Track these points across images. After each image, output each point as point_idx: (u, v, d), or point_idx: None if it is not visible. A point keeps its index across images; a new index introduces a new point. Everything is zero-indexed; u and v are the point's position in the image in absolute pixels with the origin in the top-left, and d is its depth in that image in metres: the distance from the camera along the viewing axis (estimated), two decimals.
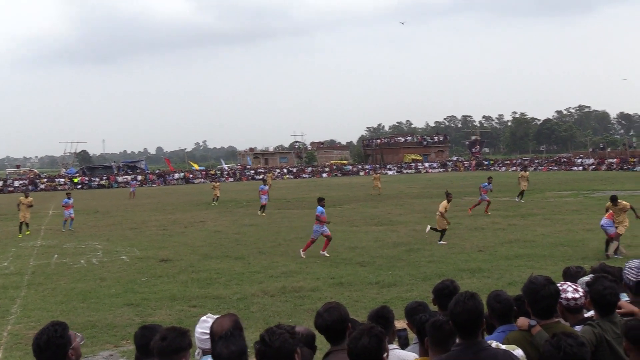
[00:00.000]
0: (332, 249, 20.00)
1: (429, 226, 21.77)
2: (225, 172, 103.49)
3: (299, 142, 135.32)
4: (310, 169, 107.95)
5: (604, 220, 17.67)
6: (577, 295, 4.64)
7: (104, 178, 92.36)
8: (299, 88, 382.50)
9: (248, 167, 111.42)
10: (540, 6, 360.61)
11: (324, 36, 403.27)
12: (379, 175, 51.73)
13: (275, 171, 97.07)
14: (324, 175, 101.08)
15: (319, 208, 19.25)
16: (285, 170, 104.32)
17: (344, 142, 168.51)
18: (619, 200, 18.05)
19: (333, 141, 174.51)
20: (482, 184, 31.45)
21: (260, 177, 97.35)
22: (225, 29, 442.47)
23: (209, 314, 4.61)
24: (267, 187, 34.86)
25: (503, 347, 4.17)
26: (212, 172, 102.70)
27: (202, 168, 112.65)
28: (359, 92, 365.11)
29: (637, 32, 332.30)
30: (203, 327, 4.42)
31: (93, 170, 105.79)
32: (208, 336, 4.24)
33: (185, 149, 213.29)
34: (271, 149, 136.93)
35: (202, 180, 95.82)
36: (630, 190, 40.33)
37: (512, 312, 4.82)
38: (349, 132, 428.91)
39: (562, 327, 4.50)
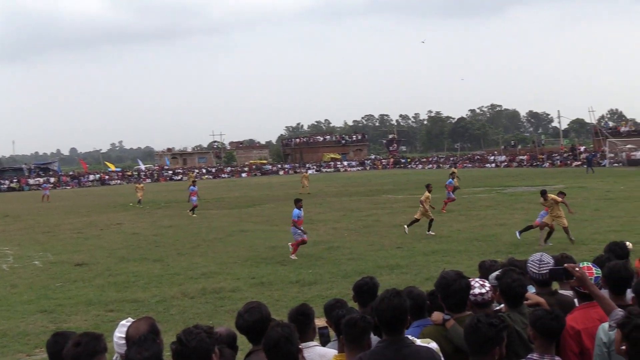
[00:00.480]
0: (252, 249, 19.95)
1: (405, 227, 21.80)
2: (143, 173, 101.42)
3: (218, 141, 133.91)
4: (229, 168, 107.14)
5: (541, 212, 18.46)
6: (483, 291, 4.79)
7: (14, 180, 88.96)
8: (217, 87, 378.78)
9: (166, 167, 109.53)
10: (452, 7, 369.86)
11: (241, 35, 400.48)
12: (307, 174, 51.75)
13: (194, 171, 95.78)
14: (244, 175, 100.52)
15: (295, 211, 18.53)
16: (204, 171, 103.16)
17: (263, 142, 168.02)
18: (549, 194, 18.63)
19: (252, 141, 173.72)
20: (448, 181, 31.15)
21: (179, 177, 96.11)
22: (140, 27, 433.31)
23: (129, 318, 4.52)
24: (196, 188, 34.11)
25: (418, 341, 4.26)
26: (129, 173, 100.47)
27: (118, 169, 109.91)
28: (278, 92, 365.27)
29: (544, 32, 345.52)
30: (121, 331, 4.32)
31: (2, 173, 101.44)
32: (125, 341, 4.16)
33: (101, 149, 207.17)
34: (189, 149, 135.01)
35: (119, 181, 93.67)
36: (539, 186, 41.84)
37: (426, 307, 4.94)
38: (268, 132, 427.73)
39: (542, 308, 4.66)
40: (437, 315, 4.68)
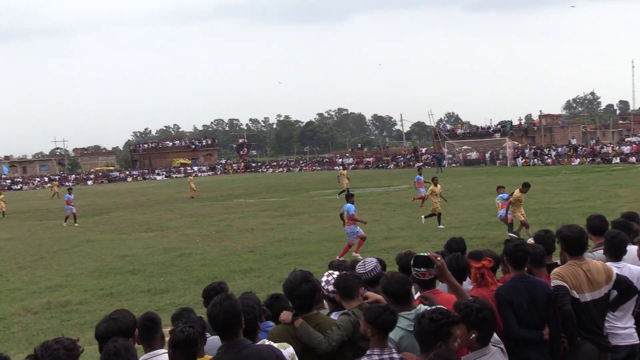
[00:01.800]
0: (99, 259, 19.28)
1: (423, 217, 22.20)
2: None
3: (61, 148, 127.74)
4: (74, 176, 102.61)
5: (501, 211, 18.74)
6: (332, 288, 5.07)
7: None
8: (58, 92, 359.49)
9: (4, 176, 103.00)
10: (297, 13, 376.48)
11: (83, 37, 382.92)
12: (192, 177, 50.28)
13: (56, 178, 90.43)
14: (89, 182, 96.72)
15: (351, 206, 16.96)
16: (46, 179, 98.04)
17: (109, 148, 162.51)
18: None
19: (98, 147, 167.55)
20: (416, 177, 30.40)
21: (19, 187, 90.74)
22: None
23: None
24: (72, 196, 31.90)
25: (274, 345, 4.35)
26: None
27: None
28: (124, 96, 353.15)
29: (385, 39, 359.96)
30: None
31: None
32: None
33: None
34: (29, 157, 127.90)
35: None
36: (385, 187, 43.59)
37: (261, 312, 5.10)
38: (115, 138, 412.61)
39: (320, 317, 4.90)
40: (285, 315, 4.84)
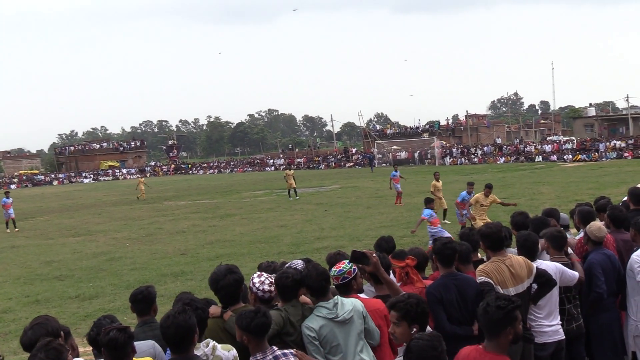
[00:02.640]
0: (24, 265, 18.73)
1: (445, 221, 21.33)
2: None
3: None
4: None
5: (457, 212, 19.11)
6: (271, 288, 5.12)
7: None
8: None
9: None
10: (227, 13, 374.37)
11: (4, 37, 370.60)
12: (143, 179, 49.00)
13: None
14: (13, 186, 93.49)
15: (426, 211, 15.83)
16: None
17: (33, 151, 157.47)
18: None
19: (21, 150, 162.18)
20: (392, 173, 30.16)
21: None
22: None
23: None
24: (10, 200, 30.13)
25: (219, 347, 4.36)
26: None
27: None
28: (48, 97, 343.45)
29: (314, 38, 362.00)
30: None
31: None
32: None
33: None
34: None
35: None
36: (316, 187, 43.78)
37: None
38: (39, 140, 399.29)
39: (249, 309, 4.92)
40: (214, 309, 4.89)
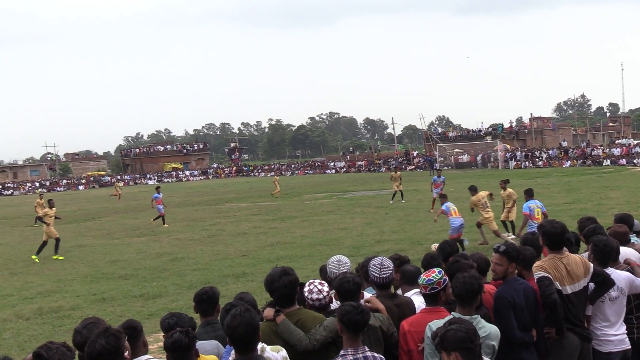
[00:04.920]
0: (91, 264, 19.20)
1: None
2: None
3: (52, 153, 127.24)
4: (65, 181, 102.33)
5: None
6: (320, 296, 5.05)
7: None
8: (48, 97, 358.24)
9: None
10: (285, 18, 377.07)
11: (74, 42, 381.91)
12: (277, 177, 50.15)
13: (26, 184, 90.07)
14: (81, 187, 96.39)
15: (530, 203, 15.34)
16: (37, 184, 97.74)
17: (100, 153, 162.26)
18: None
19: (89, 152, 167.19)
20: (434, 178, 29.80)
21: (10, 192, 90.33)
22: None
23: None
24: (161, 195, 30.34)
25: (268, 348, 4.34)
26: None
27: None
28: (115, 101, 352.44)
29: (375, 40, 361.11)
30: None
31: None
32: None
33: None
34: (20, 162, 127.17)
35: None
36: (376, 190, 43.60)
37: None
38: (106, 142, 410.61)
39: (304, 312, 4.89)
40: (268, 311, 4.84)
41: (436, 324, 4.50)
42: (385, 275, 5.45)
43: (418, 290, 5.47)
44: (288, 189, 50.53)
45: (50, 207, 22.36)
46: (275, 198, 42.21)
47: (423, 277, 5.05)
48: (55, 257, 20.90)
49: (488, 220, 18.18)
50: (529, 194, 15.58)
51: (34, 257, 20.82)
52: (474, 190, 18.65)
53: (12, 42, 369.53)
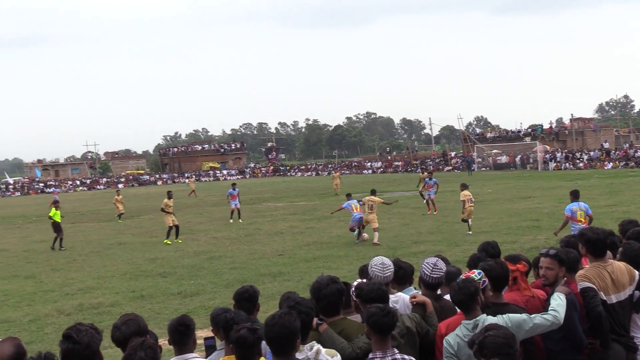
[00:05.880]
0: (130, 262, 19.46)
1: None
2: (11, 186, 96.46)
3: (92, 152, 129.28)
4: (105, 179, 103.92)
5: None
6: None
7: None
8: (89, 97, 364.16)
9: (36, 179, 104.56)
10: (323, 18, 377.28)
11: (111, 41, 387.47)
12: (337, 174, 50.92)
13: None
14: (120, 185, 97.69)
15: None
16: (78, 182, 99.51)
17: (139, 152, 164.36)
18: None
19: (128, 150, 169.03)
20: (425, 180, 29.89)
21: (51, 190, 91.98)
22: (1, 34, 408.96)
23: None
24: (237, 191, 30.78)
25: (323, 351, 4.30)
26: None
27: None
28: (154, 101, 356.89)
29: (412, 40, 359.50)
30: None
31: None
32: None
33: None
34: (62, 160, 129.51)
35: None
36: (414, 191, 43.33)
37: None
38: (145, 141, 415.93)
39: (348, 322, 4.83)
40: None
41: (453, 338, 4.53)
42: (435, 275, 5.44)
43: None
44: (324, 189, 50.57)
45: (169, 198, 25.01)
46: (335, 195, 42.58)
47: (462, 278, 4.94)
48: (165, 241, 23.55)
49: (467, 211, 20.97)
50: (574, 196, 15.18)
51: (177, 240, 23.62)
52: (465, 186, 21.93)
53: (56, 43, 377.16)
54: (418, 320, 4.98)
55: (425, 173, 35.88)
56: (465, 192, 21.42)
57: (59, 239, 23.97)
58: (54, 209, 24.70)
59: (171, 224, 24.03)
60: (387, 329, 4.33)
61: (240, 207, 30.49)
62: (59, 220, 24.54)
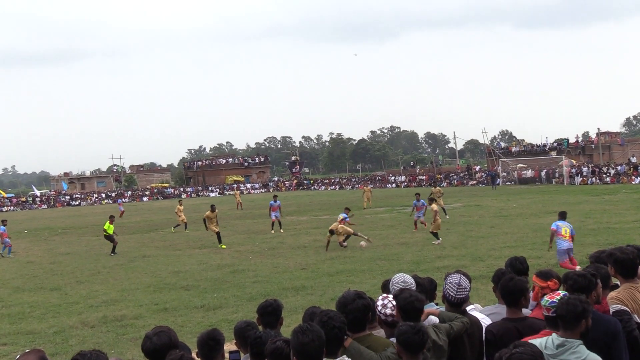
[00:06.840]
0: (154, 274, 19.54)
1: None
2: (38, 199, 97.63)
3: (118, 165, 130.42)
4: (130, 192, 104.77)
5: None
6: (389, 312, 4.94)
7: None
8: (115, 110, 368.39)
9: (63, 192, 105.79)
10: (346, 33, 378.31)
11: (140, 57, 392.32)
12: (368, 187, 51.44)
13: (93, 195, 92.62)
14: (145, 199, 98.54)
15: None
16: (103, 195, 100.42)
17: (164, 165, 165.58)
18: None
19: (153, 164, 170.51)
20: (414, 202, 29.38)
21: (77, 202, 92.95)
22: (32, 49, 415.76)
23: (27, 351, 4.35)
24: (278, 203, 32.08)
25: None
26: (23, 199, 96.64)
27: (10, 195, 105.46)
28: (178, 115, 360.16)
29: (436, 54, 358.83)
30: None
31: None
32: None
33: None
34: (88, 173, 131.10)
35: (12, 208, 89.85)
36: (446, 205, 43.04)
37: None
38: (170, 155, 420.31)
39: (374, 338, 4.76)
40: None
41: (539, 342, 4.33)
42: (460, 296, 5.33)
43: (473, 306, 5.35)
44: (348, 203, 50.43)
45: (212, 211, 26.69)
46: (363, 209, 42.33)
47: (547, 299, 4.64)
48: (221, 245, 25.49)
49: (436, 224, 23.07)
50: (562, 216, 16.81)
51: (221, 245, 25.47)
52: (433, 200, 25.60)
53: (84, 58, 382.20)
54: (442, 331, 4.91)
55: (438, 188, 36.41)
56: (434, 205, 24.14)
57: (113, 245, 25.98)
58: (108, 222, 26.71)
59: (215, 230, 26.27)
60: (418, 347, 4.29)
61: (273, 220, 31.32)
62: (111, 234, 26.33)
